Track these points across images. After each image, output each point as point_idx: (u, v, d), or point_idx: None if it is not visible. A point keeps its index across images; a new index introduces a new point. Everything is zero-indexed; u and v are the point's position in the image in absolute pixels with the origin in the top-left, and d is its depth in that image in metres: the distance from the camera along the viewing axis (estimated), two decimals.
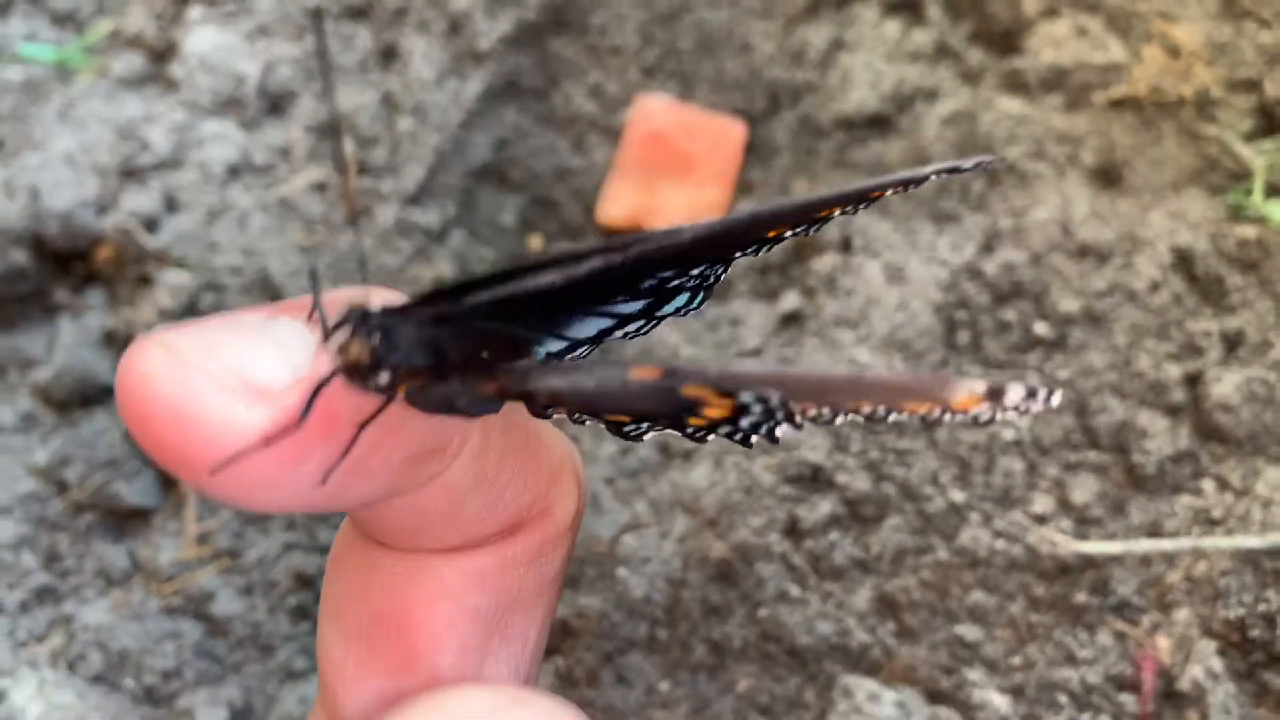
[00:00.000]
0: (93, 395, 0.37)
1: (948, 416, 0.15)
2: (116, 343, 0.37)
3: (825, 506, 0.32)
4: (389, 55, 0.40)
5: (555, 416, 0.17)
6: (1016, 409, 0.15)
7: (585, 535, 0.32)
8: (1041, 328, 0.33)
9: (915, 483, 0.32)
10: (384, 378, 0.14)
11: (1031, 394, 0.15)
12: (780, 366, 0.20)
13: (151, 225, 0.37)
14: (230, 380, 0.13)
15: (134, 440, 0.13)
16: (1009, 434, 0.32)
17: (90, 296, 0.39)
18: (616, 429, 0.17)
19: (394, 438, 0.14)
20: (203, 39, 0.40)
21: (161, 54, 0.42)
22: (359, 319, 0.14)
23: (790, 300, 0.35)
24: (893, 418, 0.15)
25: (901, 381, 0.15)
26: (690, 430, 0.17)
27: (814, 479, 0.32)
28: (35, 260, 0.38)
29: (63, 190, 0.38)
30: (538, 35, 0.39)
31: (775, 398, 0.15)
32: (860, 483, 0.32)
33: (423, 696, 0.16)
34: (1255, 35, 0.39)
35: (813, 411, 0.15)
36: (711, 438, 0.18)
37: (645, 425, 0.17)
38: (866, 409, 0.15)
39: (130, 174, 0.38)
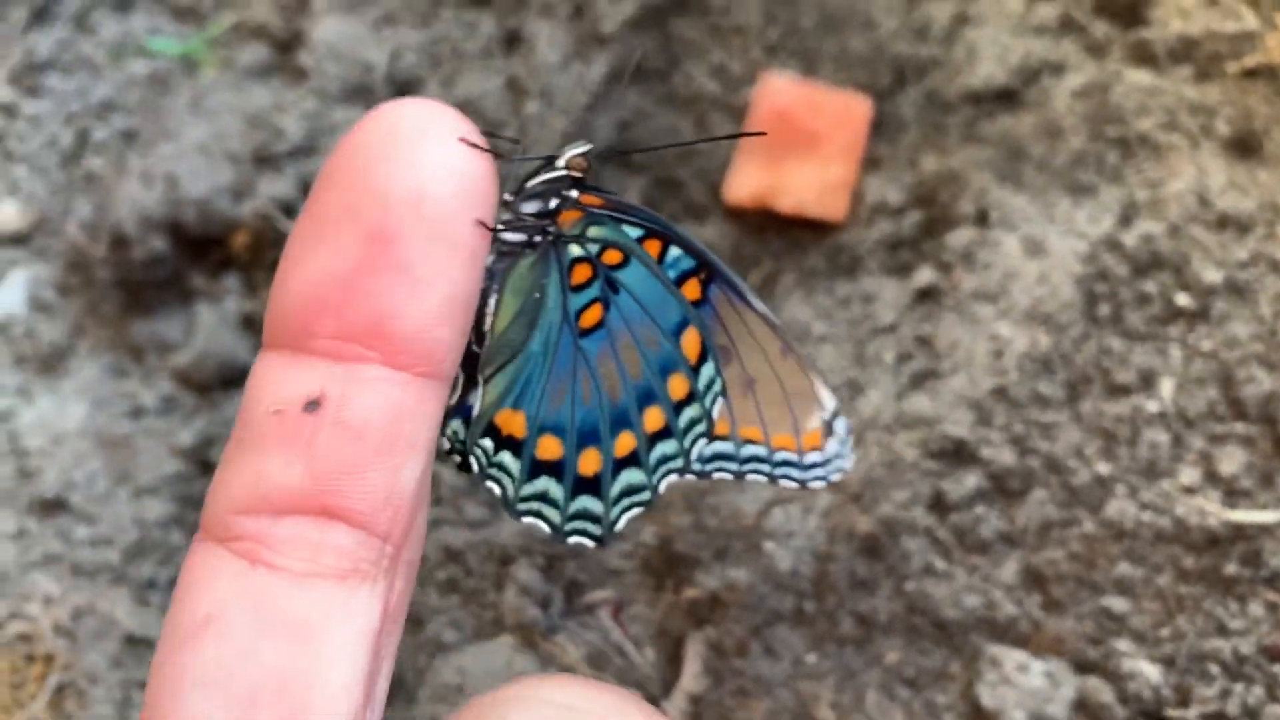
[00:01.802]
0: (233, 377, 0.38)
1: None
2: (256, 327, 0.38)
3: (970, 480, 0.32)
4: (513, 40, 0.40)
5: None
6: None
7: (730, 510, 0.32)
8: (1183, 299, 0.33)
9: (1060, 456, 0.32)
10: (573, 193, 0.19)
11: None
12: None
13: (289, 210, 0.38)
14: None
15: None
16: (1153, 406, 0.32)
17: (227, 281, 0.40)
18: None
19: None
20: (329, 28, 0.40)
21: (287, 44, 0.43)
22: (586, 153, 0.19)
23: (924, 275, 0.35)
24: None
25: None
26: None
27: (957, 453, 0.32)
28: (172, 247, 0.39)
29: (199, 178, 0.39)
30: (660, 17, 0.39)
31: None
32: (1005, 457, 0.32)
33: (506, 687, 0.16)
34: None
35: None
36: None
37: None
38: None
39: (265, 161, 0.39)
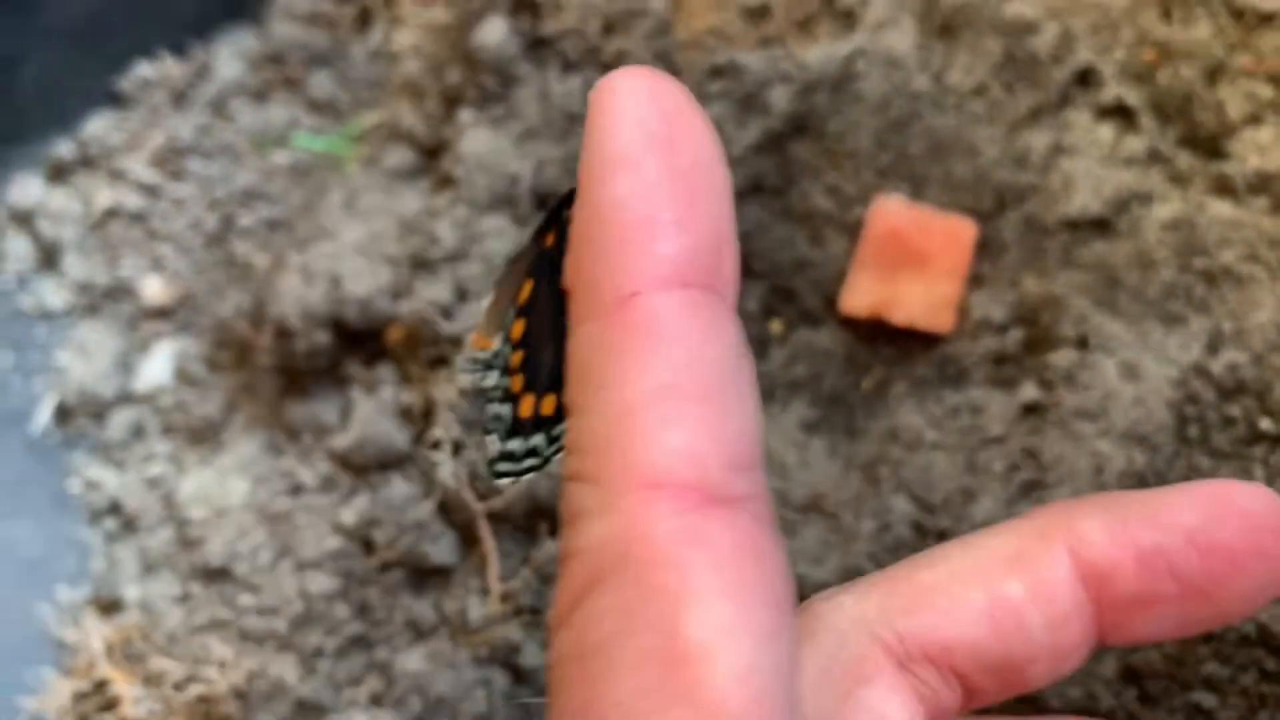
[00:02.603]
0: (389, 461, 0.42)
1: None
2: (411, 416, 0.42)
3: None
4: None
5: None
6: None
7: None
8: (1266, 423, 0.37)
9: None
10: None
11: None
12: None
13: (446, 312, 0.42)
14: None
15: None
16: None
17: (381, 372, 0.43)
18: None
19: None
20: (476, 139, 0.44)
21: (432, 150, 0.46)
22: None
23: (1029, 391, 0.39)
24: None
25: None
26: None
27: None
28: (334, 339, 0.43)
29: (361, 278, 0.43)
30: (781, 141, 0.43)
31: None
32: None
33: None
34: None
35: None
36: None
37: None
38: None
39: (421, 264, 0.43)
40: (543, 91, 0.45)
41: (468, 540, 0.40)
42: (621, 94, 0.18)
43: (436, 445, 0.40)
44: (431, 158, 0.46)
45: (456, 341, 0.41)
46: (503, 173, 0.44)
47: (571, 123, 0.45)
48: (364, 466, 0.42)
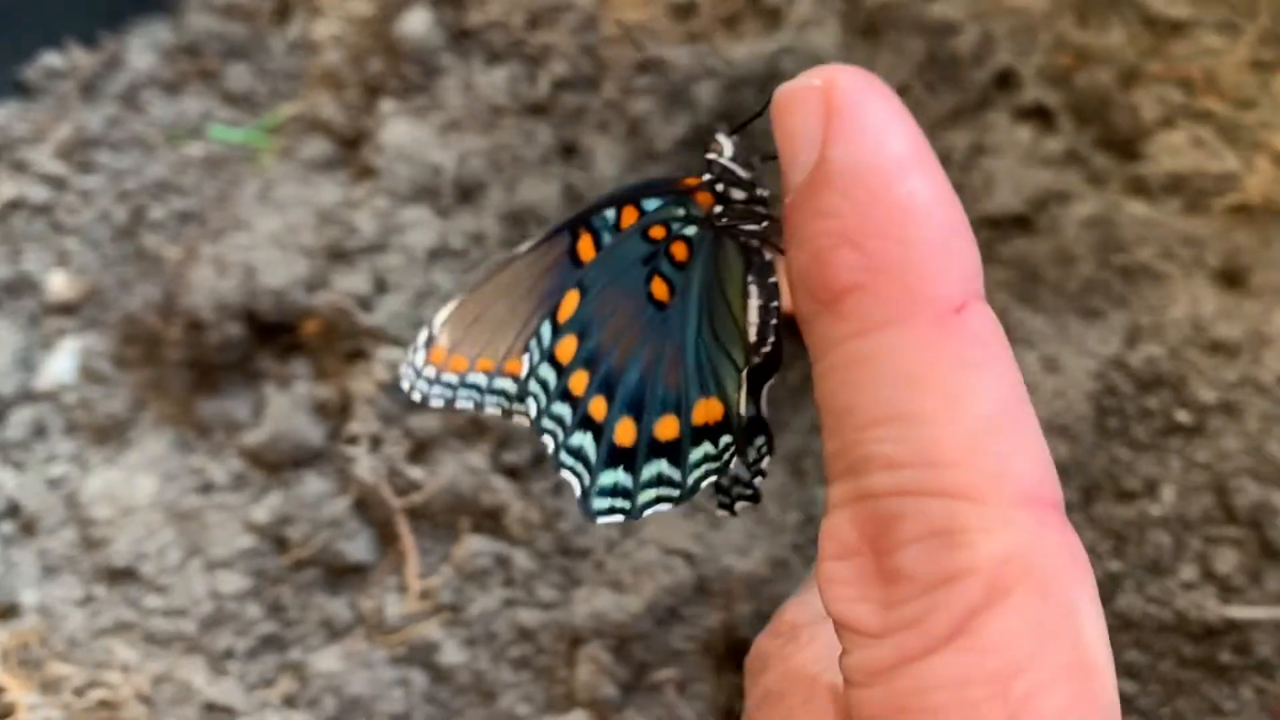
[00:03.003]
0: (304, 459, 0.41)
1: None
2: (327, 411, 0.41)
3: None
4: (569, 151, 0.44)
5: None
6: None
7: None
8: (1182, 415, 0.37)
9: None
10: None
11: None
12: None
13: (364, 304, 0.41)
14: None
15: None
16: (1156, 510, 0.36)
17: (295, 366, 0.42)
18: None
19: None
20: (397, 130, 0.43)
21: (351, 141, 0.45)
22: None
23: None
24: None
25: None
26: None
27: None
28: (247, 331, 0.42)
29: (276, 269, 0.42)
30: (709, 136, 0.43)
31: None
32: None
33: None
34: None
35: None
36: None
37: None
38: None
39: (339, 255, 0.42)
40: (466, 83, 0.44)
41: (385, 537, 0.39)
42: (869, 93, 0.17)
43: (353, 440, 0.39)
44: (351, 148, 0.45)
45: (374, 334, 0.40)
46: (424, 163, 0.43)
47: (496, 115, 0.44)
48: (277, 463, 0.41)
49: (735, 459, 0.22)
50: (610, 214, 0.24)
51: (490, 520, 0.38)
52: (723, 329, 0.23)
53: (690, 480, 0.22)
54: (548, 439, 0.23)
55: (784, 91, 0.19)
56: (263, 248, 0.42)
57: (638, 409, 0.23)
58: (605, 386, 0.23)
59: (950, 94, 0.44)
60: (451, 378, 0.24)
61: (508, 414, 0.25)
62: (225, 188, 0.47)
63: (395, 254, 0.41)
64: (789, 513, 0.38)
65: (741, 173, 0.23)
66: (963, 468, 0.16)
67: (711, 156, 0.23)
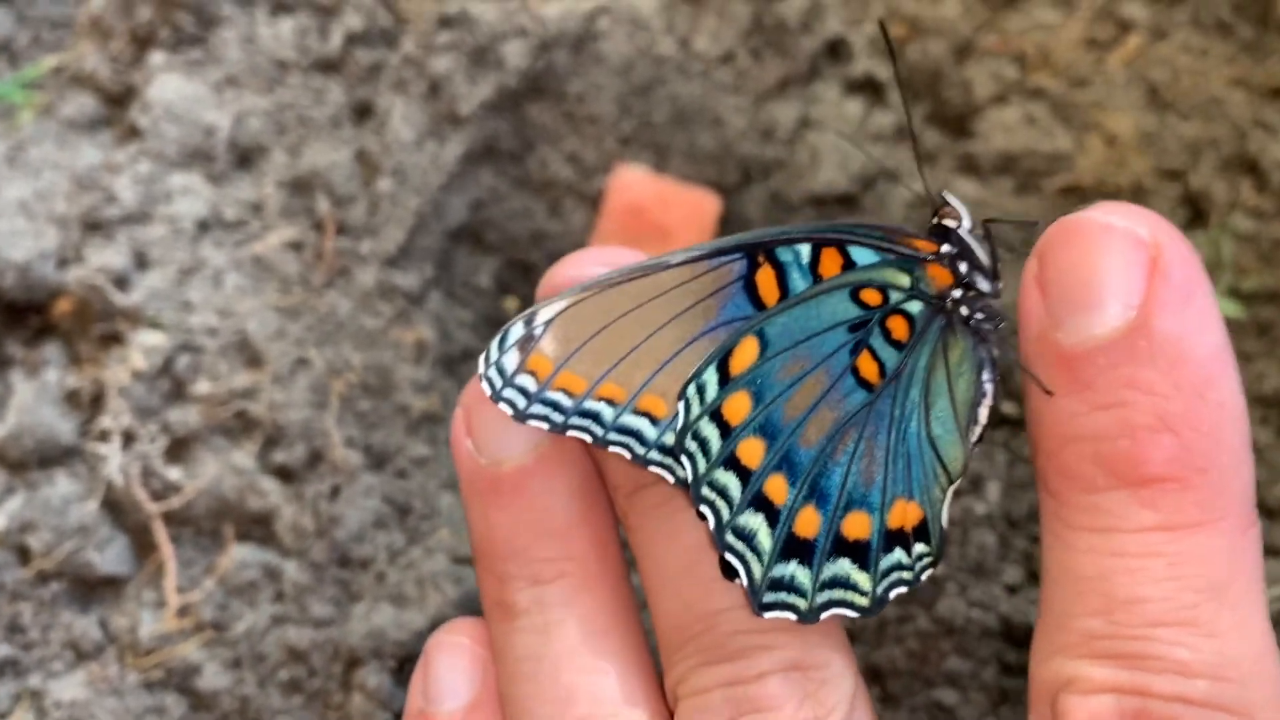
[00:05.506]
0: (53, 455, 0.36)
1: None
2: (77, 402, 0.36)
3: None
4: (364, 112, 0.40)
5: None
6: None
7: None
8: (1008, 407, 0.35)
9: None
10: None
11: None
12: None
13: (121, 282, 0.36)
14: None
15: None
16: (981, 508, 0.34)
17: (46, 352, 0.37)
18: None
19: None
20: (167, 86, 0.39)
21: (118, 98, 0.40)
22: None
23: None
24: None
25: None
26: None
27: None
28: None
29: (21, 240, 0.37)
30: (517, 100, 0.39)
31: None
32: None
33: None
34: (1177, 127, 0.42)
35: None
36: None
37: None
38: None
39: (94, 226, 0.37)
40: (248, 35, 0.40)
41: (141, 546, 0.34)
42: (1198, 268, 0.18)
43: (104, 436, 0.35)
44: (118, 107, 0.40)
45: (131, 316, 0.35)
46: (197, 123, 0.38)
47: (281, 71, 0.40)
48: (21, 462, 0.36)
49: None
50: (805, 251, 0.20)
51: (258, 527, 0.34)
52: (941, 428, 0.20)
53: (880, 590, 0.20)
54: (707, 511, 0.19)
55: (1088, 220, 0.18)
56: (7, 216, 0.37)
57: (822, 498, 0.19)
58: (787, 466, 0.19)
59: (777, 63, 0.41)
60: (559, 397, 0.20)
61: (641, 462, 0.20)
62: None
63: (159, 225, 0.37)
64: None
65: (985, 258, 0.19)
66: (1249, 688, 0.17)
67: (949, 224, 0.20)
